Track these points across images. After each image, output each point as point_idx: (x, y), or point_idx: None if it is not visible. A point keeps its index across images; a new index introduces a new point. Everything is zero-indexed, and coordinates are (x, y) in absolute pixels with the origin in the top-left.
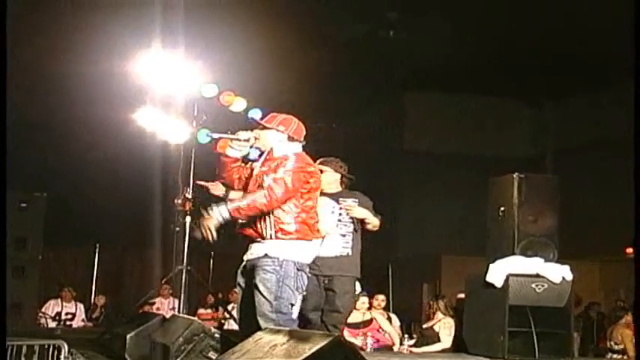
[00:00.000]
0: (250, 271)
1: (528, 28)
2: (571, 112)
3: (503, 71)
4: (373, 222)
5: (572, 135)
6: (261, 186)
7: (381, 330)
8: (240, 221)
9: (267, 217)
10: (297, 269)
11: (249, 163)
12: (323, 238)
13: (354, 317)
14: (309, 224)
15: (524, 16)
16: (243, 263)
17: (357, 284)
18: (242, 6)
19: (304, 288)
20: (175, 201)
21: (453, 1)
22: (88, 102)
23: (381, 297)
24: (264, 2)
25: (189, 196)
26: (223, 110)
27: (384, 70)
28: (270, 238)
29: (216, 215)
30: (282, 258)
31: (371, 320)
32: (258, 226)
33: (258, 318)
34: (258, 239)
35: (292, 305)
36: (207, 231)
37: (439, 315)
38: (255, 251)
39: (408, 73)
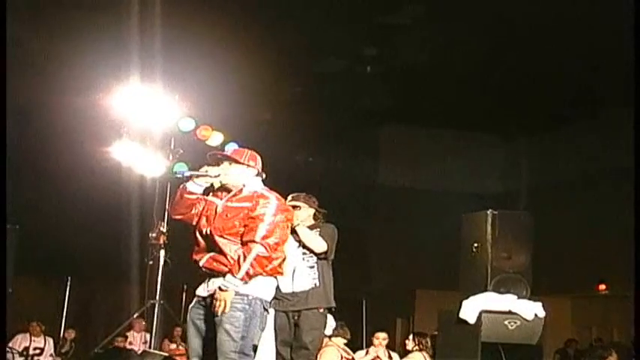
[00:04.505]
0: (210, 306)
1: (503, 64)
2: (545, 148)
3: (478, 107)
4: (313, 246)
5: (545, 171)
6: (235, 219)
7: None
8: (204, 264)
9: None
10: (264, 308)
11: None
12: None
13: (367, 354)
14: (279, 262)
15: (500, 51)
16: (198, 298)
17: (331, 318)
18: (219, 41)
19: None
20: (150, 234)
21: (428, 37)
22: (64, 134)
23: (383, 335)
24: (241, 37)
25: (164, 230)
26: (200, 144)
27: (360, 105)
28: (243, 278)
29: (232, 287)
30: (252, 296)
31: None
32: (230, 261)
33: (219, 356)
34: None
35: (254, 346)
36: (225, 305)
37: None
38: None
39: (383, 108)
